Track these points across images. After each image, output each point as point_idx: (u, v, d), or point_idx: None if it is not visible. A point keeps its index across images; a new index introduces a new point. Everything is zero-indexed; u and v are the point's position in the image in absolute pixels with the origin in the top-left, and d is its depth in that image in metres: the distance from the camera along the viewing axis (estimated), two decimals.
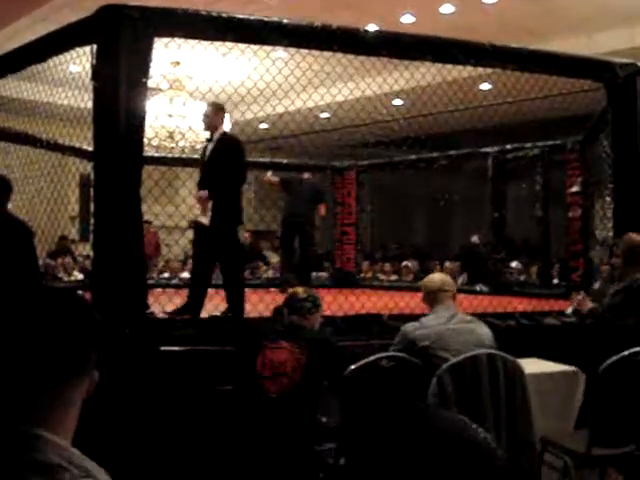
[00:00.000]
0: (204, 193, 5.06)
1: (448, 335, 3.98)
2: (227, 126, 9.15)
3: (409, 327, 4.12)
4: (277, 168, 9.60)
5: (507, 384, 3.80)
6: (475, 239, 11.49)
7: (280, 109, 5.94)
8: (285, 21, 4.66)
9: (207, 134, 5.42)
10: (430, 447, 1.52)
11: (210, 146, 5.32)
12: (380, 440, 1.88)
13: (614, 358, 4.05)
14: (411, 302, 5.78)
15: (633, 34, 9.78)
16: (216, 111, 5.30)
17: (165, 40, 4.49)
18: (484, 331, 4.08)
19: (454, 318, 4.09)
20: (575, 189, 7.81)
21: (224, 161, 5.15)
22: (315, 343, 3.75)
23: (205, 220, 5.02)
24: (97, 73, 4.32)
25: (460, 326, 4.05)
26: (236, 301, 5.13)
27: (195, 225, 5.28)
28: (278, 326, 3.90)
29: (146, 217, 5.10)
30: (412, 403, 3.13)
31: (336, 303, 5.53)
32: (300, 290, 4.14)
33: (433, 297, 4.22)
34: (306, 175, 8.91)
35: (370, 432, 2.11)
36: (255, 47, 5.15)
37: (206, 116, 5.28)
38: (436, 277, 4.43)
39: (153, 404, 3.92)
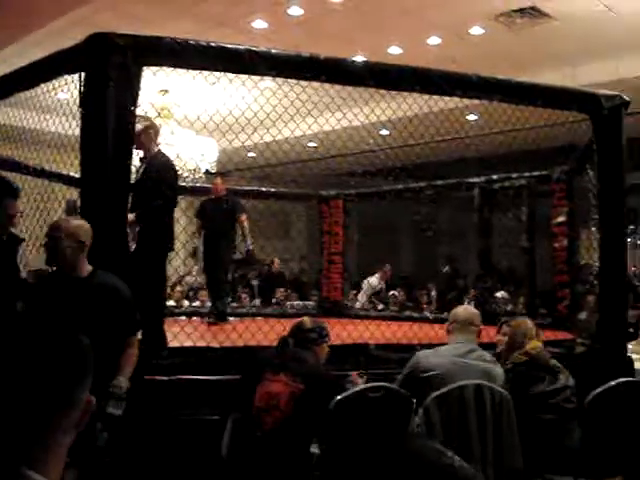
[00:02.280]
0: (131, 217, 4.70)
1: (458, 369, 3.95)
2: (213, 154, 9.25)
3: (422, 353, 4.12)
4: (264, 196, 9.62)
5: (494, 414, 3.80)
6: (447, 269, 11.60)
7: (268, 138, 5.96)
8: (274, 51, 4.70)
9: (140, 154, 5.14)
10: (407, 473, 1.53)
11: (141, 167, 5.10)
12: (361, 467, 1.87)
13: (599, 390, 4.07)
14: (398, 332, 5.77)
15: (617, 66, 9.90)
16: (145, 130, 5.06)
17: (154, 69, 4.50)
18: (498, 372, 4.05)
19: (472, 353, 4.06)
20: (561, 219, 7.85)
21: (151, 183, 4.90)
22: (311, 377, 3.69)
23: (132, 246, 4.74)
24: (85, 100, 4.32)
25: (476, 363, 4.01)
26: (151, 331, 4.59)
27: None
28: (279, 357, 3.82)
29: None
30: (392, 432, 3.13)
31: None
32: (307, 320, 4.08)
33: (458, 328, 4.19)
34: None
35: (351, 459, 2.10)
36: (243, 77, 5.17)
37: (136, 135, 4.80)
38: (468, 310, 4.39)
39: (139, 434, 3.87)
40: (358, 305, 11.20)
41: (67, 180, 7.54)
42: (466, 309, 4.41)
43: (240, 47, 4.64)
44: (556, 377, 4.25)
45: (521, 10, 8.84)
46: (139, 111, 4.60)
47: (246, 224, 7.80)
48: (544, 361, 4.31)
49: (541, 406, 4.10)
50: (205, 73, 4.79)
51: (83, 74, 4.34)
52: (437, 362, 4.00)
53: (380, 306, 11.63)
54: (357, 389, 3.83)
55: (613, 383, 4.13)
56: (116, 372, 3.51)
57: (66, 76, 4.71)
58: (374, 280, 11.99)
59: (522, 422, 3.89)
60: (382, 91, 5.42)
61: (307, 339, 3.91)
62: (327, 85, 5.13)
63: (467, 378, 3.86)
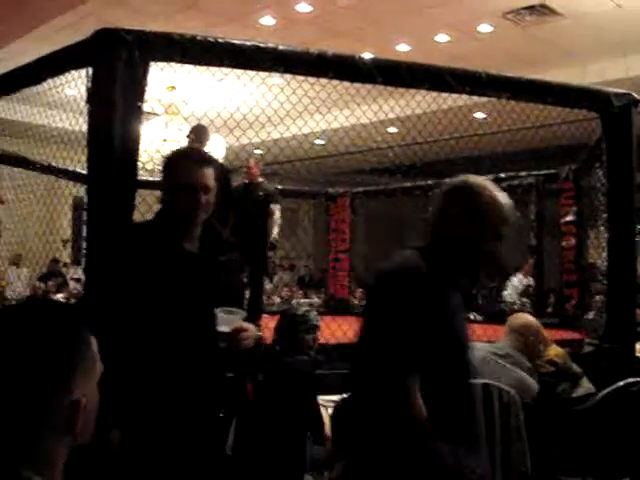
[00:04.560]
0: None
1: (489, 365, 3.94)
2: (220, 151, 9.20)
3: None
4: None
5: (502, 414, 3.77)
6: None
7: (275, 135, 5.94)
8: (281, 47, 4.66)
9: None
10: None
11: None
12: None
13: (608, 390, 4.04)
14: None
15: (627, 64, 9.85)
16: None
17: (161, 64, 4.47)
18: (531, 383, 4.02)
19: (510, 358, 4.04)
20: (569, 218, 7.82)
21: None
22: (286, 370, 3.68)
23: None
24: (92, 96, 4.30)
25: (512, 368, 3.99)
26: None
27: None
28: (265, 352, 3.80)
29: None
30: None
31: (329, 330, 5.49)
32: (297, 309, 4.06)
33: (507, 332, 4.20)
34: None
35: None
36: (251, 73, 5.15)
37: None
38: (526, 319, 4.31)
39: None
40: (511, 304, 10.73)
41: (73, 176, 7.55)
42: (521, 318, 4.34)
43: (248, 43, 4.61)
44: (578, 383, 4.22)
45: (530, 7, 8.80)
46: (146, 107, 4.58)
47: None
48: (570, 369, 4.29)
49: (566, 414, 4.06)
50: (212, 69, 4.76)
51: (90, 69, 4.32)
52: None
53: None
54: None
55: (622, 383, 4.09)
56: None
57: (73, 72, 4.68)
58: (517, 279, 11.29)
59: (546, 429, 3.86)
60: (390, 88, 5.37)
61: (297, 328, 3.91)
62: (335, 82, 5.09)
63: (495, 377, 3.83)
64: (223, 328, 2.54)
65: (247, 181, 7.23)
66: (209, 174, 2.63)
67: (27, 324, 1.18)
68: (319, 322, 4.02)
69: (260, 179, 7.26)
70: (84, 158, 4.44)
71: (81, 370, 1.18)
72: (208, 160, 2.72)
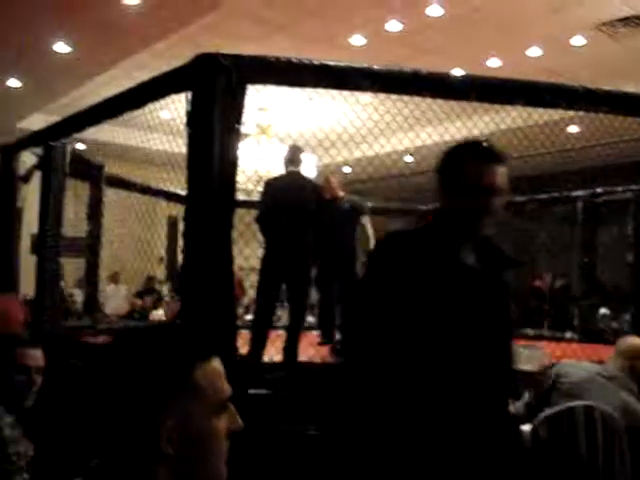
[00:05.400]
0: None
1: (595, 385, 3.86)
2: (312, 170, 9.27)
3: (564, 363, 4.13)
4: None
5: (605, 437, 3.66)
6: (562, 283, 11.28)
7: (369, 153, 5.97)
8: (376, 67, 4.69)
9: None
10: None
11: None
12: None
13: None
14: None
15: None
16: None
17: (258, 87, 4.57)
18: (638, 408, 3.92)
19: (616, 380, 3.95)
20: None
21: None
22: None
23: None
24: (192, 119, 4.42)
25: (618, 390, 3.90)
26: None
27: None
28: None
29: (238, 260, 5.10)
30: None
31: None
32: None
33: (614, 355, 4.13)
34: None
35: None
36: (344, 92, 5.19)
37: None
38: (634, 342, 4.21)
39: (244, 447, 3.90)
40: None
41: (171, 197, 7.77)
42: (629, 341, 4.23)
43: (342, 64, 4.66)
44: None
45: (624, 19, 8.58)
46: (243, 129, 4.68)
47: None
48: None
49: None
50: (308, 91, 4.83)
51: (189, 93, 4.44)
52: (574, 371, 3.94)
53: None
54: None
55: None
56: None
57: (173, 96, 4.82)
58: None
59: None
60: (485, 105, 5.33)
61: None
62: (429, 100, 5.09)
63: (600, 399, 3.73)
64: (528, 367, 2.12)
65: (329, 197, 6.70)
66: (504, 174, 2.18)
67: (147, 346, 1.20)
68: None
69: (341, 193, 6.88)
70: (180, 178, 4.56)
71: (182, 395, 1.16)
72: (503, 158, 2.21)
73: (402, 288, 2.05)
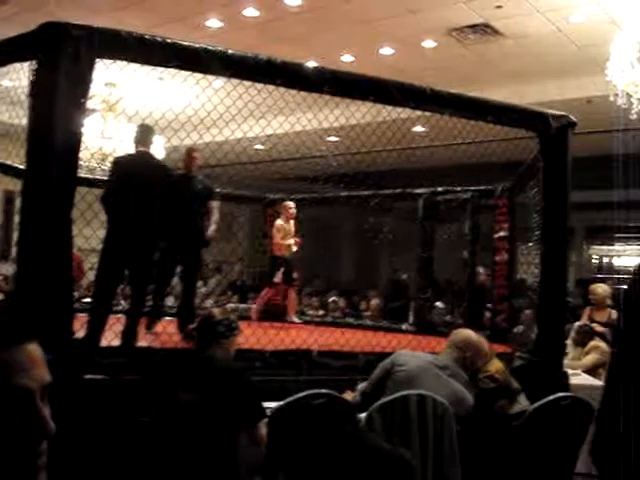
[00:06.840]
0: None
1: (428, 375, 4.01)
2: (160, 151, 9.07)
3: (402, 352, 4.31)
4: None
5: (435, 425, 3.82)
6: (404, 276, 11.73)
7: (219, 138, 5.90)
8: (230, 51, 4.64)
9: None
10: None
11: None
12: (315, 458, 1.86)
13: (539, 403, 4.13)
14: (340, 339, 5.78)
15: (563, 87, 10.12)
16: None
17: (107, 62, 4.40)
18: (467, 397, 4.06)
19: (448, 370, 4.10)
20: (502, 234, 7.96)
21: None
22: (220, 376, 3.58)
23: None
24: (35, 90, 4.20)
25: (449, 379, 4.05)
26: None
27: None
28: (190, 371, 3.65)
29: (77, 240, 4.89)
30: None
31: (267, 337, 5.49)
32: (216, 311, 3.96)
33: (448, 346, 4.29)
34: None
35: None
36: (197, 75, 5.08)
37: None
38: (467, 334, 4.36)
39: (75, 434, 3.77)
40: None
41: (5, 169, 7.38)
42: (462, 333, 4.38)
43: (196, 45, 4.57)
44: (516, 399, 4.31)
45: (474, 26, 8.97)
46: (90, 104, 4.50)
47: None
48: (509, 385, 4.37)
49: (504, 429, 4.13)
50: (158, 69, 4.71)
51: (34, 63, 4.21)
52: (410, 360, 4.07)
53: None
54: (299, 396, 3.80)
55: (552, 398, 4.19)
56: None
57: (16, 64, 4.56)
58: None
59: (483, 444, 3.92)
60: (335, 98, 5.40)
61: (215, 332, 3.74)
62: (282, 89, 5.10)
63: (432, 388, 3.88)
64: None
65: (185, 172, 6.48)
66: None
67: None
68: (237, 327, 3.90)
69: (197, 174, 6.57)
70: (18, 151, 4.33)
71: None
72: None
73: None
